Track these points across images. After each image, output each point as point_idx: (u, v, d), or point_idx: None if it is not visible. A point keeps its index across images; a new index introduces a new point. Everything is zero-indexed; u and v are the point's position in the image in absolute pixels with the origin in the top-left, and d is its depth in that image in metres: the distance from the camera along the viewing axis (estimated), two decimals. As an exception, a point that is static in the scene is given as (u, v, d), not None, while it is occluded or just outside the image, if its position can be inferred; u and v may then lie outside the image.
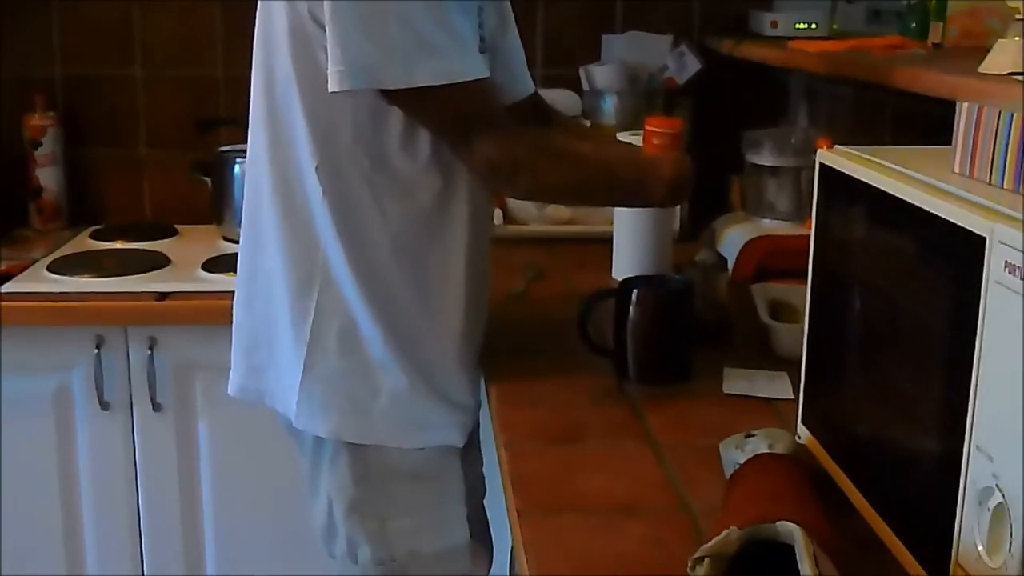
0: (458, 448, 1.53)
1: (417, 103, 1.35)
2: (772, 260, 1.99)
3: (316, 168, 1.38)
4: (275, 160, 1.43)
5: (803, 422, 1.27)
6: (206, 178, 2.48)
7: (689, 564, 0.83)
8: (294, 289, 1.44)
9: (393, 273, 1.42)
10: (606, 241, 2.06)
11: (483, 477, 1.75)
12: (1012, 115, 0.90)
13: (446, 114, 1.38)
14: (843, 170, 1.14)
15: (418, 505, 1.50)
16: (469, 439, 1.61)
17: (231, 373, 1.57)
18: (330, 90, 1.31)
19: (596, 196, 1.69)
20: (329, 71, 1.30)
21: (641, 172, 1.52)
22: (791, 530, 0.82)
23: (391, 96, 1.34)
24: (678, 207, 2.30)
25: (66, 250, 2.43)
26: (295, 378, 1.45)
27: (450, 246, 1.45)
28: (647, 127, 1.83)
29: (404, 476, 1.48)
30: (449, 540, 1.53)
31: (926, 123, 1.66)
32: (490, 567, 1.74)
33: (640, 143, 1.90)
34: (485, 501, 1.76)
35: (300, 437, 1.51)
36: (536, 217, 2.36)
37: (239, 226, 1.53)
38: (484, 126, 1.38)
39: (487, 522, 1.76)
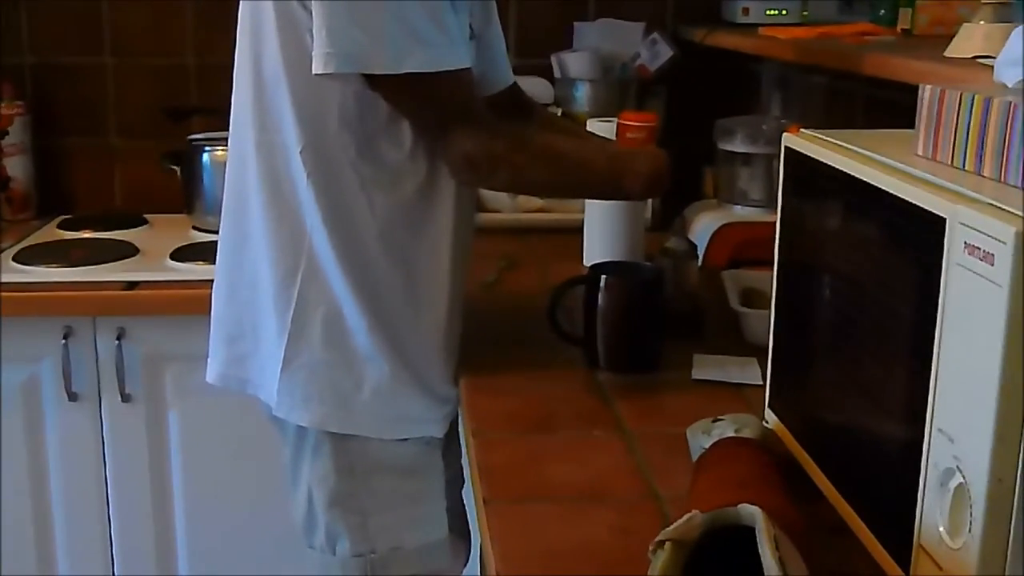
0: (440, 441, 1.52)
1: (400, 90, 1.35)
2: (744, 247, 1.99)
3: (301, 152, 1.38)
4: (261, 146, 1.42)
5: (770, 407, 1.27)
6: (176, 167, 2.46)
7: (650, 549, 0.82)
8: (279, 277, 1.43)
9: (379, 262, 1.42)
10: (578, 230, 2.05)
11: (462, 469, 1.75)
12: (973, 97, 0.90)
13: (427, 103, 1.38)
14: (808, 153, 1.13)
15: (401, 500, 1.49)
16: (451, 431, 1.60)
17: (209, 361, 1.56)
18: (314, 72, 1.30)
19: (572, 191, 1.73)
20: (314, 53, 1.30)
21: (617, 167, 1.52)
22: (753, 513, 0.81)
23: (375, 82, 1.34)
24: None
25: (33, 240, 2.41)
26: (277, 367, 1.44)
27: (436, 236, 1.45)
28: (621, 121, 1.83)
29: (387, 470, 1.47)
30: (430, 535, 1.52)
31: (897, 111, 1.66)
32: (468, 559, 1.73)
33: (612, 132, 1.90)
34: (463, 492, 1.75)
35: (283, 426, 1.50)
36: (508, 206, 2.35)
37: (209, 215, 1.53)
38: (462, 119, 1.38)
39: (465, 514, 1.75)
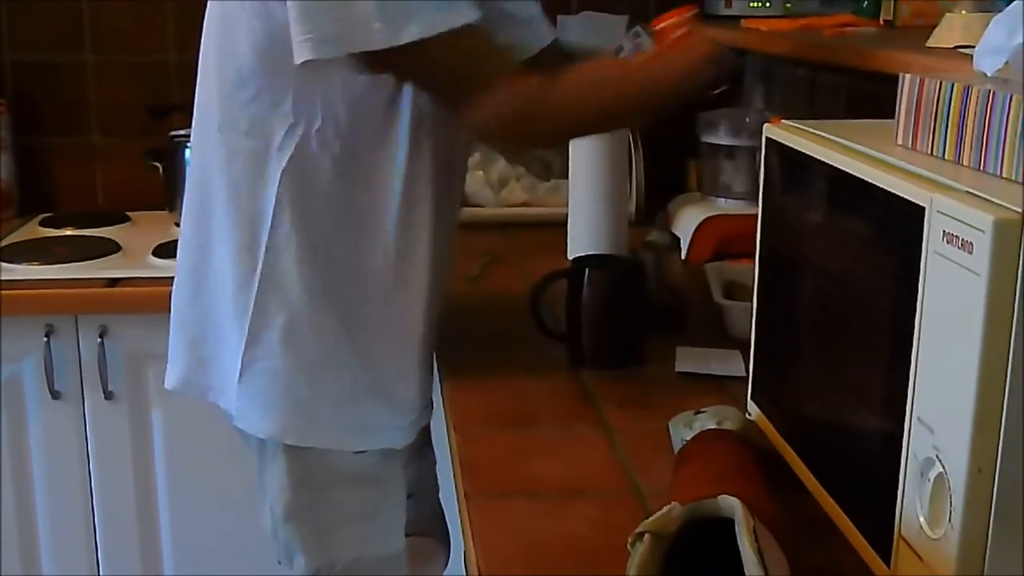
0: (401, 451, 1.47)
1: (404, 64, 1.25)
2: (728, 240, 1.99)
3: (278, 150, 1.31)
4: (223, 147, 1.36)
5: (753, 399, 1.27)
6: (158, 164, 2.45)
7: (629, 541, 0.82)
8: (238, 280, 1.36)
9: (350, 267, 1.36)
10: (562, 224, 2.05)
11: (436, 474, 1.74)
12: (953, 86, 0.90)
13: (437, 71, 1.27)
14: (789, 144, 1.13)
15: (359, 512, 1.44)
16: (423, 437, 1.59)
17: (168, 366, 1.50)
18: (296, 61, 1.22)
19: (616, 118, 1.47)
20: (294, 41, 1.21)
21: (650, 72, 1.36)
22: (732, 505, 0.81)
23: (374, 61, 1.24)
24: (633, 192, 2.30)
25: (15, 238, 2.39)
26: (235, 375, 1.38)
27: (413, 240, 1.38)
28: (657, 27, 1.59)
29: (345, 481, 1.42)
30: (388, 547, 1.47)
31: (880, 102, 1.66)
32: (447, 561, 1.73)
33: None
34: (441, 496, 1.74)
35: (245, 436, 1.44)
36: (491, 201, 2.35)
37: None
38: (478, 81, 1.27)
39: (443, 516, 1.74)
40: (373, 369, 1.39)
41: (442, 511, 1.74)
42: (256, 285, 1.34)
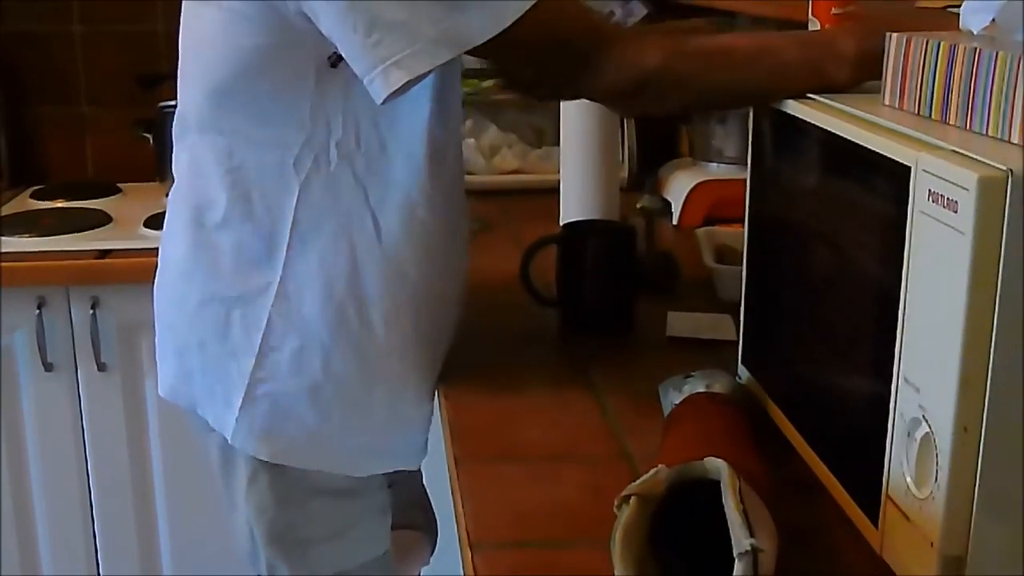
0: None
1: (511, 45, 1.11)
2: (719, 205, 1.99)
3: (294, 163, 1.22)
4: (223, 151, 1.25)
5: (743, 363, 1.27)
6: (148, 135, 2.44)
7: (616, 504, 0.82)
8: (249, 295, 1.26)
9: (374, 285, 1.27)
10: (554, 191, 2.04)
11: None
12: (939, 45, 0.89)
13: (548, 40, 1.14)
14: (775, 105, 1.12)
15: (340, 524, 1.38)
16: None
17: (159, 368, 1.41)
18: (385, 93, 1.08)
19: (762, 90, 1.19)
20: (383, 63, 1.07)
21: (813, 53, 1.17)
22: (718, 466, 0.81)
23: (477, 51, 1.11)
24: (626, 158, 2.30)
25: (6, 211, 2.39)
26: (234, 393, 1.29)
27: (436, 251, 1.30)
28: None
29: (324, 493, 1.35)
30: (372, 554, 1.42)
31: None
32: (433, 550, 1.72)
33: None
34: (425, 481, 1.73)
35: (207, 439, 1.36)
36: (482, 168, 2.34)
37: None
38: (591, 47, 1.14)
39: (426, 505, 1.73)
40: (386, 394, 1.32)
41: (425, 500, 1.72)
42: (269, 303, 1.26)
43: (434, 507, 1.70)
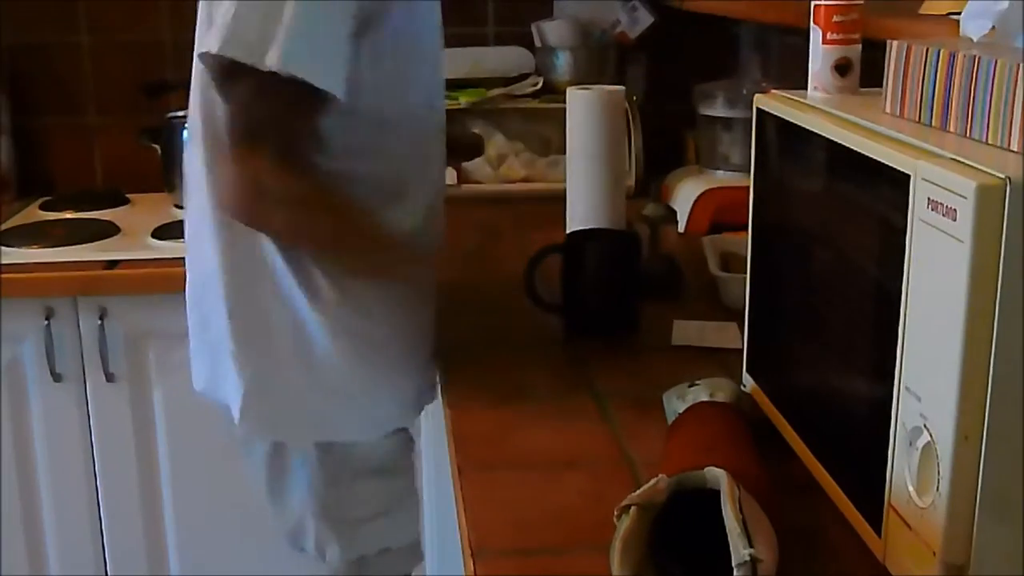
0: (411, 439, 1.52)
1: (250, 89, 1.20)
2: (725, 212, 1.99)
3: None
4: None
5: (748, 371, 1.27)
6: (155, 145, 2.44)
7: (615, 513, 0.82)
8: (235, 286, 1.36)
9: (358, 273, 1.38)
10: (560, 199, 2.04)
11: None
12: (939, 52, 0.89)
13: (253, 108, 1.22)
14: (779, 115, 1.12)
15: (385, 503, 1.48)
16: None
17: (193, 363, 1.50)
18: (205, 50, 1.20)
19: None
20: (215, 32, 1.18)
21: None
22: (717, 476, 0.81)
23: (235, 76, 1.20)
24: (634, 163, 2.29)
25: (15, 221, 2.39)
26: (238, 379, 1.39)
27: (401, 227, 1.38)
28: (822, 3, 1.24)
29: (368, 473, 1.45)
30: (411, 535, 1.53)
31: (875, 71, 1.65)
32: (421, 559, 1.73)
33: (596, 100, 1.86)
34: (424, 494, 1.76)
35: (251, 441, 1.46)
36: (490, 177, 2.34)
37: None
38: (268, 140, 1.21)
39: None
40: (377, 360, 1.41)
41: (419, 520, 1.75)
42: (257, 287, 1.35)
43: (430, 519, 1.73)
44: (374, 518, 1.47)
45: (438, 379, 1.49)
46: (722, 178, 2.09)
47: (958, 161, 0.78)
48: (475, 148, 1.65)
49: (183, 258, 1.50)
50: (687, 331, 1.50)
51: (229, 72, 1.21)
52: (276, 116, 1.22)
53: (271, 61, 1.16)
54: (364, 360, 1.39)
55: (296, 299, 1.35)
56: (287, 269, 1.33)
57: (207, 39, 1.20)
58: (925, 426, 0.81)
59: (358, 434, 1.44)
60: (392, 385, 1.44)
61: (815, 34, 1.19)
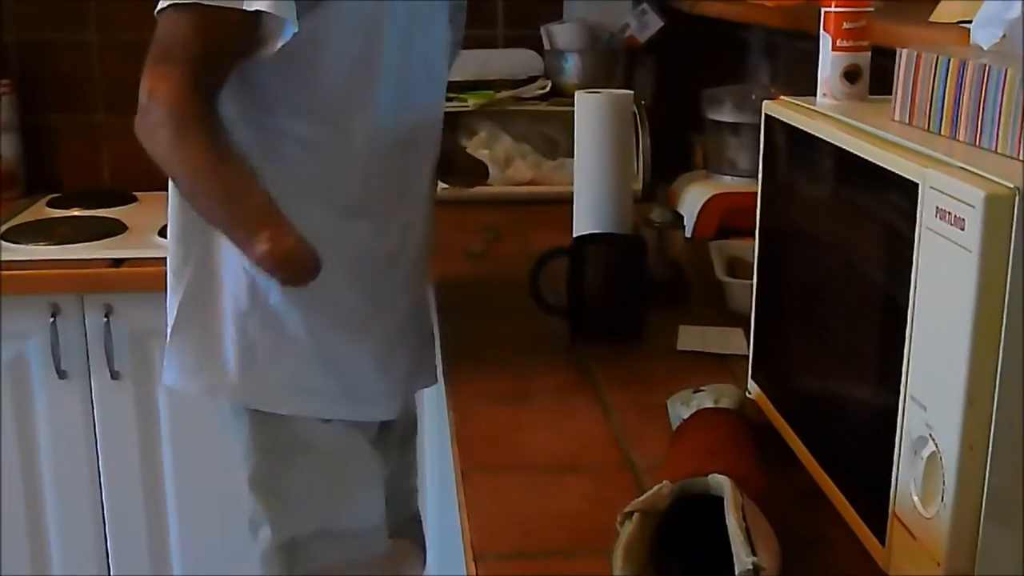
0: (369, 431, 1.45)
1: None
2: (732, 217, 1.98)
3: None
4: None
5: (753, 377, 1.26)
6: (163, 143, 2.44)
7: (618, 519, 0.81)
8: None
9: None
10: (567, 202, 2.04)
11: (414, 480, 1.73)
12: (949, 61, 0.89)
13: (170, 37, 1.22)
14: (788, 121, 1.12)
15: (326, 483, 1.41)
16: (404, 429, 1.57)
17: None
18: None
19: (196, 203, 1.28)
20: None
21: (251, 226, 1.18)
22: (721, 483, 0.80)
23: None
24: (641, 168, 2.29)
25: (22, 218, 2.39)
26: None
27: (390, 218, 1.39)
28: (831, 8, 1.22)
29: (310, 451, 1.40)
30: (359, 522, 1.43)
31: (884, 78, 1.65)
32: (424, 565, 1.72)
33: (602, 104, 1.86)
34: (422, 496, 1.73)
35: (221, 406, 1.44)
36: (497, 178, 2.34)
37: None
38: (180, 60, 1.21)
39: (420, 522, 1.73)
40: (366, 340, 1.40)
41: (419, 517, 1.73)
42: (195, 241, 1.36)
43: (433, 521, 1.71)
44: (308, 495, 1.40)
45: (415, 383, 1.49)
46: (729, 183, 2.08)
47: (967, 170, 0.78)
48: (477, 173, 1.62)
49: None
50: (692, 336, 1.50)
51: None
52: (208, 43, 1.21)
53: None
54: (326, 324, 1.36)
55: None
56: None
57: None
58: (930, 435, 0.81)
59: (280, 404, 1.38)
60: (351, 364, 1.39)
61: (825, 41, 1.19)
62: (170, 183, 1.34)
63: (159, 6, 1.21)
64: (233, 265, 1.34)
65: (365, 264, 1.38)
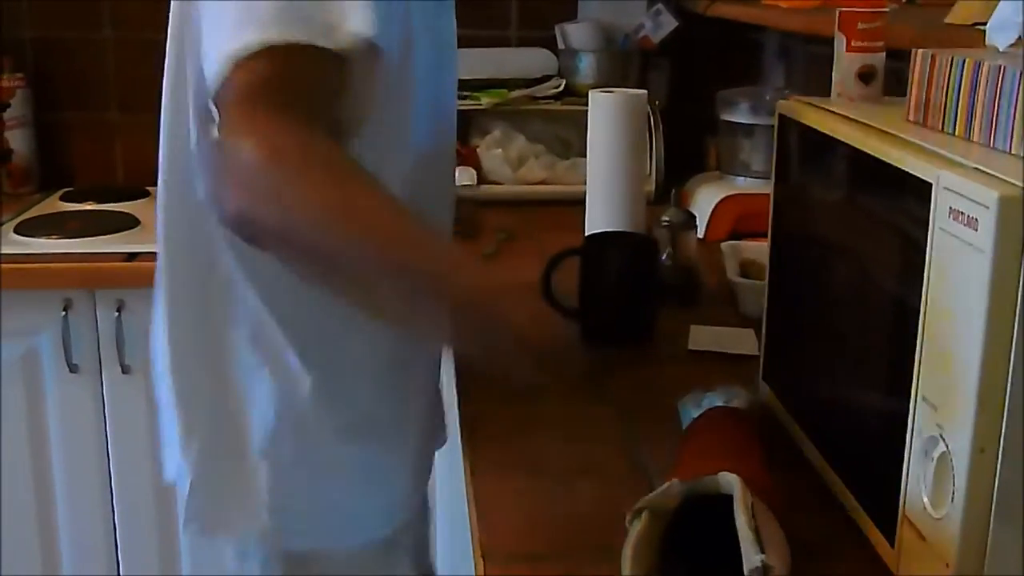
0: (404, 538, 1.33)
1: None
2: (746, 219, 1.98)
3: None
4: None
5: (764, 378, 1.26)
6: (177, 140, 2.45)
7: (627, 517, 0.81)
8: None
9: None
10: (580, 202, 2.04)
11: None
12: (964, 61, 0.88)
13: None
14: (802, 121, 1.12)
15: None
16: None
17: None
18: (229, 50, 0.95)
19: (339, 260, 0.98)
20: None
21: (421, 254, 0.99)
22: (731, 481, 0.80)
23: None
24: (654, 168, 2.29)
25: (35, 212, 2.40)
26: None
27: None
28: (846, 8, 1.21)
29: None
30: None
31: (899, 80, 1.64)
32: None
33: (617, 105, 1.86)
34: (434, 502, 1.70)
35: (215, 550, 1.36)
36: (509, 179, 2.34)
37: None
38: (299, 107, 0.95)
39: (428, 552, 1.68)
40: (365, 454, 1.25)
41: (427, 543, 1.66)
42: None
43: (442, 520, 1.69)
44: None
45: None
46: (743, 185, 2.08)
47: (980, 171, 0.78)
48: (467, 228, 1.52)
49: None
50: (704, 336, 1.50)
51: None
52: (307, 82, 0.97)
53: (354, 28, 0.95)
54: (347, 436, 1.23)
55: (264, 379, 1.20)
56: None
57: (226, 33, 0.97)
58: (941, 436, 0.81)
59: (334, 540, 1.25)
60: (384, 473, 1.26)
61: (839, 41, 1.19)
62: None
63: (233, 48, 0.95)
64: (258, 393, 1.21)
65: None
